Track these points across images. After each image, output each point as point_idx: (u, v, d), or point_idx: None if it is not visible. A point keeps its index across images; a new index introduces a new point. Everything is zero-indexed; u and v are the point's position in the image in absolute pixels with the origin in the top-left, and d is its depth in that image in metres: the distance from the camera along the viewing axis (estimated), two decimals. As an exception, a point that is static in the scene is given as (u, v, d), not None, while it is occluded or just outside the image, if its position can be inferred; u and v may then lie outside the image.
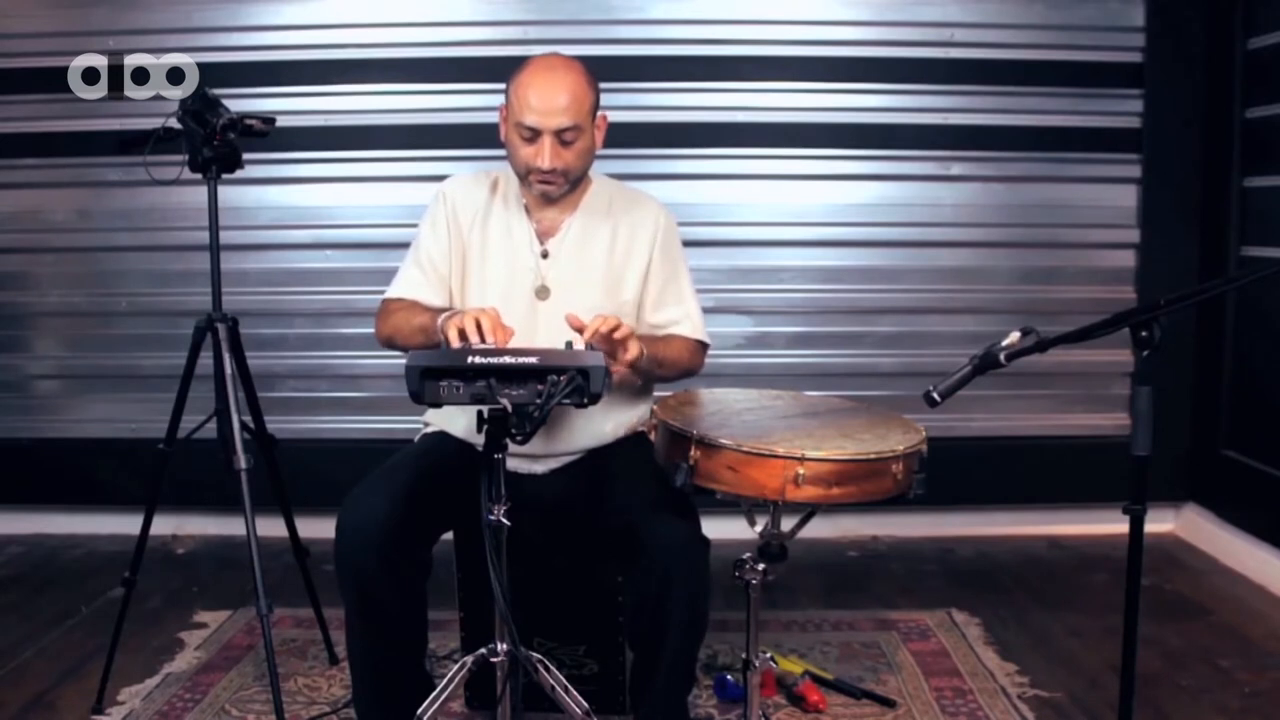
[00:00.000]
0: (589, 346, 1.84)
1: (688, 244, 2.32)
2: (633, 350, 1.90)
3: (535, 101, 2.00)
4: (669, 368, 2.14)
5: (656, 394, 2.25)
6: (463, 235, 2.16)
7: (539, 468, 2.15)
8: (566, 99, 2.01)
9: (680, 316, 2.19)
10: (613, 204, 2.20)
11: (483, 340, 1.81)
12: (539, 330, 2.07)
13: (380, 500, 1.93)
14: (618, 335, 1.86)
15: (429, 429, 2.24)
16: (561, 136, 2.02)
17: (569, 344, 1.85)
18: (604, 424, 2.16)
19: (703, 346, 2.23)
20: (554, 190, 2.09)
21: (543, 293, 2.13)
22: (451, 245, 2.16)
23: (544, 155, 2.02)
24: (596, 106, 2.09)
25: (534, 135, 2.02)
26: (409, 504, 1.94)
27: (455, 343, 1.83)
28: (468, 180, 2.22)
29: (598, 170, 2.27)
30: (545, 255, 2.15)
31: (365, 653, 2.00)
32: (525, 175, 2.08)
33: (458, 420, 2.16)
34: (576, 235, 2.16)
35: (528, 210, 2.16)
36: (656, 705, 1.99)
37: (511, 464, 1.94)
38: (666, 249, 2.20)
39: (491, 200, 2.18)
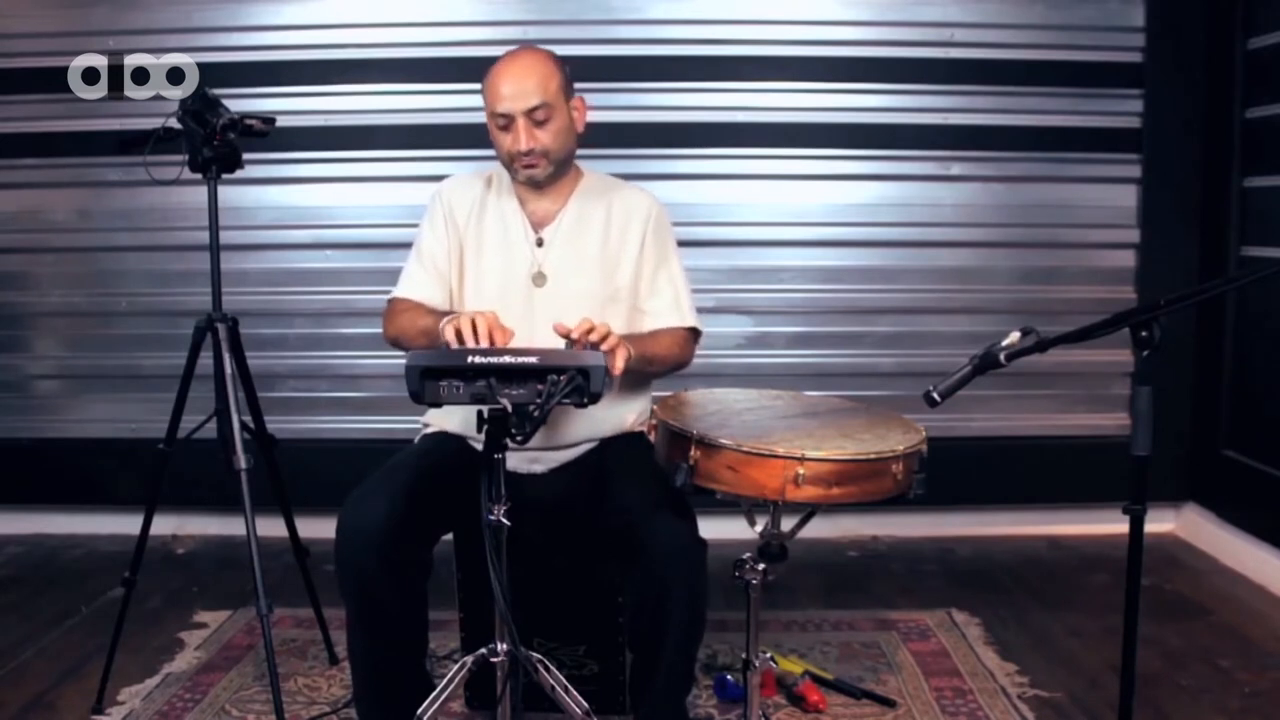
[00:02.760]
0: (586, 347, 1.84)
1: (688, 244, 2.33)
2: (620, 360, 1.88)
3: (502, 88, 2.07)
4: (659, 364, 2.15)
5: (656, 394, 2.25)
6: (459, 230, 2.20)
7: (538, 467, 2.16)
8: (531, 81, 2.06)
9: (670, 303, 2.21)
10: (604, 194, 2.23)
11: (478, 342, 1.83)
12: (536, 318, 2.08)
13: (381, 501, 1.93)
14: (605, 346, 1.85)
15: (429, 429, 2.25)
16: (533, 116, 2.06)
17: (569, 343, 1.85)
18: (603, 423, 2.16)
19: (693, 334, 2.24)
20: (538, 172, 2.12)
21: (539, 279, 2.16)
22: (449, 241, 2.19)
23: (519, 137, 2.07)
24: (568, 88, 2.13)
25: (508, 121, 2.07)
26: (409, 504, 1.94)
27: (453, 344, 1.84)
28: (463, 179, 2.27)
29: (597, 169, 2.29)
30: (540, 244, 2.18)
31: (366, 653, 2.01)
32: (510, 164, 2.13)
33: (454, 414, 2.17)
34: (570, 223, 2.19)
35: (522, 201, 2.20)
36: (656, 705, 1.99)
37: (511, 463, 1.94)
38: (658, 235, 2.22)
39: (486, 195, 2.22)
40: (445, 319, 1.94)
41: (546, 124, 2.08)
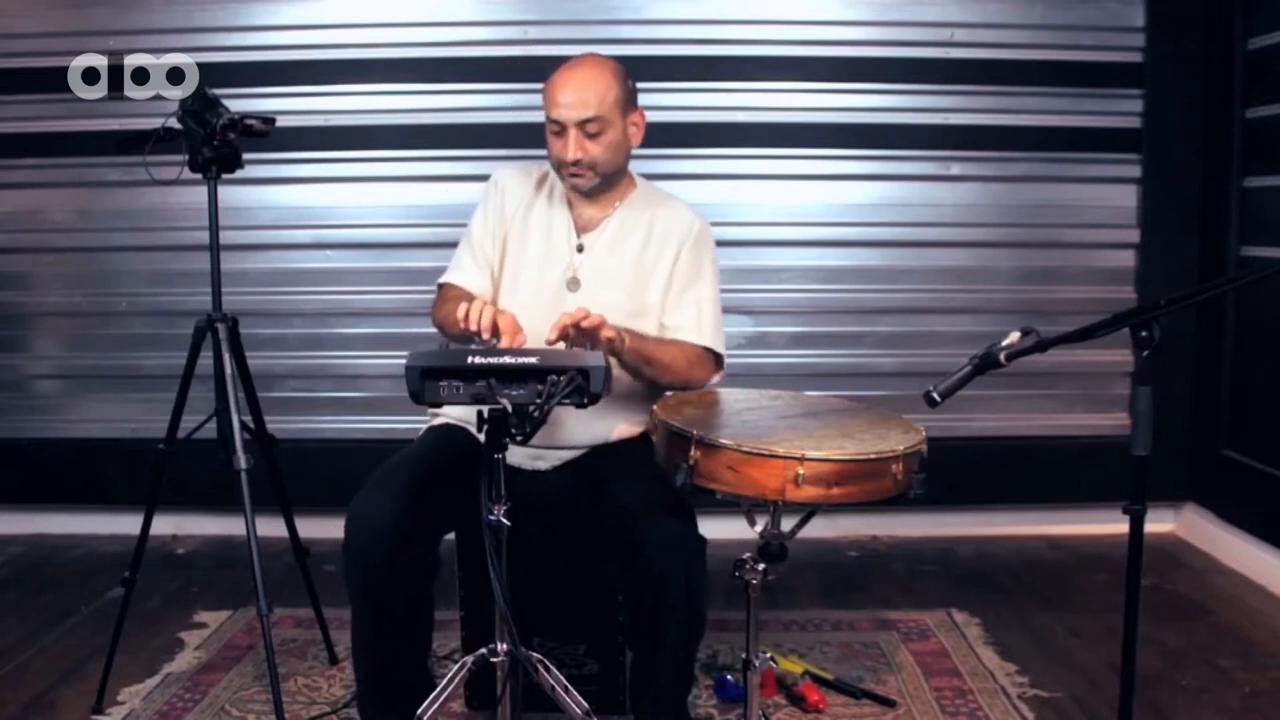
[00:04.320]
0: (583, 345, 1.85)
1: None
2: (608, 330, 1.90)
3: (558, 96, 2.08)
4: (661, 370, 2.12)
5: (656, 393, 2.25)
6: (506, 222, 2.21)
7: (541, 464, 2.16)
8: (590, 92, 2.06)
9: (691, 321, 2.20)
10: (650, 207, 2.23)
11: (479, 330, 1.84)
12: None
13: (387, 498, 1.93)
14: (585, 324, 1.87)
15: (435, 421, 2.26)
16: (585, 129, 2.07)
17: (569, 342, 1.85)
18: (604, 424, 2.16)
19: (713, 357, 2.22)
20: (583, 182, 2.12)
21: (573, 284, 2.16)
22: (495, 231, 2.21)
23: (568, 147, 2.07)
24: (627, 102, 2.12)
25: (561, 129, 2.08)
26: (416, 502, 1.95)
27: (459, 319, 1.86)
28: (518, 172, 2.28)
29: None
30: (580, 249, 2.19)
31: (370, 651, 2.01)
32: (558, 169, 2.14)
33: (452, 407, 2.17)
34: (613, 233, 2.20)
35: (570, 204, 2.21)
36: (656, 705, 1.99)
37: (514, 459, 1.94)
38: (695, 253, 2.21)
39: (537, 194, 2.24)
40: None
41: (598, 136, 2.08)
